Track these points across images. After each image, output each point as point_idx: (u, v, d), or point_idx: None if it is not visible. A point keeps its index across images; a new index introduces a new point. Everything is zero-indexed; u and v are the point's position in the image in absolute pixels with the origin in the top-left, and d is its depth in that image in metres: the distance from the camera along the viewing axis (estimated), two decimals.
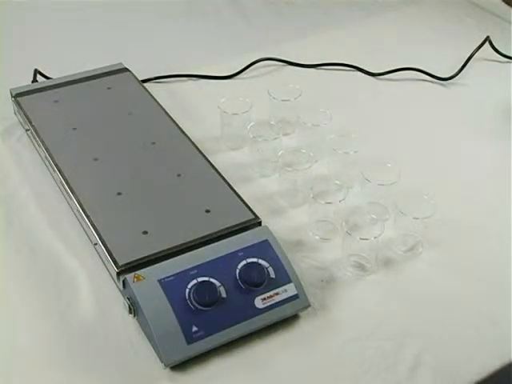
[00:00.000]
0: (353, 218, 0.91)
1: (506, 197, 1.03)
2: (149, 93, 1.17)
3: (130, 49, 1.38)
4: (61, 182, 0.98)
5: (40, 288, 0.89)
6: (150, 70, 1.31)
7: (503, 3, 1.59)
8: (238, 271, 0.83)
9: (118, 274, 0.83)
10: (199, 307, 0.80)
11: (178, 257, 0.84)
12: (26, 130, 1.14)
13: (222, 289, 0.82)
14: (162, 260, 0.84)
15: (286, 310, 0.84)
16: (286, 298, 0.84)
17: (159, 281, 0.81)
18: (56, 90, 1.17)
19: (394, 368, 0.80)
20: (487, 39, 1.38)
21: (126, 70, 1.23)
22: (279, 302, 0.83)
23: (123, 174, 0.99)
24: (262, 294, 0.83)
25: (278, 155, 1.02)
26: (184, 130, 1.08)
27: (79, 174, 0.98)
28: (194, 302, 0.80)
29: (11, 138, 1.15)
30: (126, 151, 1.03)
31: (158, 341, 0.78)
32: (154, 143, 1.05)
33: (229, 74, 1.32)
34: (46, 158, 1.04)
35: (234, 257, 0.85)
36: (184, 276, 0.82)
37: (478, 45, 1.37)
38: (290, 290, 0.84)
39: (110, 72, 1.22)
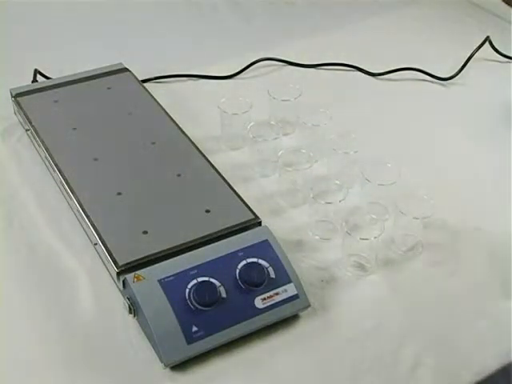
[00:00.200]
0: (353, 217, 0.91)
1: (506, 197, 1.03)
2: (149, 93, 1.17)
3: (130, 49, 1.38)
4: (61, 182, 0.98)
5: (40, 288, 0.89)
6: (150, 70, 1.31)
7: (503, 3, 1.59)
8: (237, 271, 0.83)
9: (118, 274, 0.83)
10: (199, 307, 0.80)
11: (178, 257, 0.84)
12: (26, 130, 1.14)
13: (221, 289, 0.82)
14: (162, 260, 0.84)
15: (286, 310, 0.84)
16: (286, 298, 0.84)
17: (159, 281, 0.81)
18: (56, 89, 1.17)
19: (393, 368, 0.80)
20: (487, 39, 1.38)
21: (126, 70, 1.23)
22: (279, 301, 0.83)
23: (123, 173, 0.99)
24: (262, 293, 0.83)
25: (278, 155, 1.02)
26: (184, 130, 1.08)
27: (79, 174, 0.98)
28: (193, 301, 0.80)
29: (11, 137, 1.15)
30: (126, 151, 1.03)
31: (158, 341, 0.78)
32: (154, 143, 1.05)
33: (229, 74, 1.32)
34: (45, 158, 1.04)
35: (233, 257, 0.85)
36: (184, 276, 0.82)
37: (478, 45, 1.37)
38: (289, 289, 0.84)
39: (110, 72, 1.22)
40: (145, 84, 1.23)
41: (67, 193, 0.96)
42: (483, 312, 0.87)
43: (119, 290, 0.86)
